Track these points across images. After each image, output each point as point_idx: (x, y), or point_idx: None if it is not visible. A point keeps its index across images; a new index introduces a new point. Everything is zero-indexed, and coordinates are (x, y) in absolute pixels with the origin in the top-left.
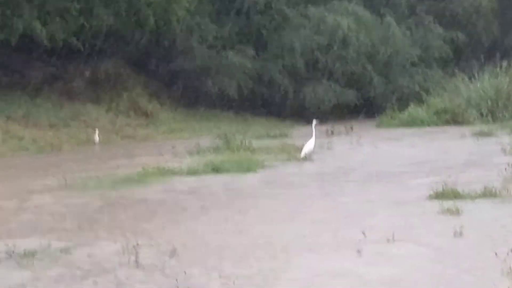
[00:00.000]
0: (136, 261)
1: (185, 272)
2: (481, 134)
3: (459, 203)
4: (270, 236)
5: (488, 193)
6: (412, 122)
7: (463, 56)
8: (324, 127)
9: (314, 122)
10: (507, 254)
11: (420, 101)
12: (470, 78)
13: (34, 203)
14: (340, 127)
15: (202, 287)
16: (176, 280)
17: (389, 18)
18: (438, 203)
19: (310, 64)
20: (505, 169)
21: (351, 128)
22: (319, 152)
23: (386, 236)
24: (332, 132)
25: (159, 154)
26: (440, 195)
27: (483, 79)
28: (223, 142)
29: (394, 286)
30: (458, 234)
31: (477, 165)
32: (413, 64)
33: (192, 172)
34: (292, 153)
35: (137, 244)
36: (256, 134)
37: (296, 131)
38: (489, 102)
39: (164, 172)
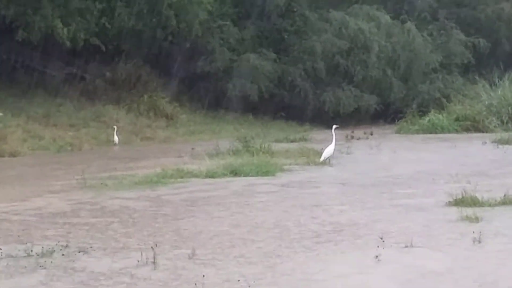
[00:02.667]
0: (154, 263)
1: (203, 276)
2: (501, 142)
3: (479, 211)
4: (289, 239)
5: (507, 201)
6: (432, 129)
7: (484, 62)
8: (343, 132)
9: (334, 126)
10: None
11: (440, 107)
12: (491, 85)
13: (53, 203)
14: (359, 132)
15: None
16: (195, 284)
17: (410, 24)
18: (457, 210)
19: (331, 68)
20: None
21: (371, 133)
22: (338, 156)
23: (405, 242)
24: (352, 137)
25: (179, 156)
26: (459, 202)
27: (504, 86)
28: (242, 145)
29: None
30: (477, 241)
31: (497, 173)
32: (434, 70)
33: (211, 174)
34: (312, 157)
35: (155, 246)
36: (276, 137)
37: (315, 135)
38: (510, 109)
39: (183, 174)
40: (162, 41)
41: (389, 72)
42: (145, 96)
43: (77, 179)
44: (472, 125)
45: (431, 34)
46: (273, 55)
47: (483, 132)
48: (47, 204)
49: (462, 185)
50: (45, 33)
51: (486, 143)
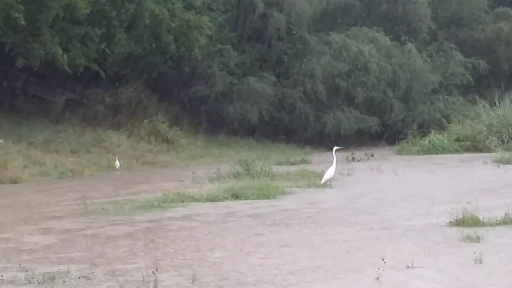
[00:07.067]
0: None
1: None
2: (502, 161)
3: (480, 230)
4: (290, 261)
5: (508, 221)
6: (433, 149)
7: (484, 83)
8: (344, 154)
9: (335, 148)
10: None
11: (441, 128)
12: (491, 105)
13: (55, 229)
14: (360, 153)
15: None
16: None
17: (410, 45)
18: (459, 230)
19: (331, 91)
20: None
21: (372, 154)
22: (339, 178)
23: (406, 262)
24: (353, 159)
25: (180, 180)
26: (460, 222)
27: (504, 106)
28: (243, 168)
29: None
30: (478, 261)
31: (498, 192)
32: (434, 91)
33: (211, 198)
34: (313, 180)
35: (156, 270)
36: (277, 160)
37: (316, 158)
38: (510, 129)
39: (184, 198)
40: (162, 66)
41: (389, 93)
42: (146, 121)
43: (78, 205)
44: (472, 145)
45: (430, 55)
46: (273, 78)
47: (483, 152)
48: (48, 229)
49: (463, 205)
50: (45, 60)
51: (487, 162)
